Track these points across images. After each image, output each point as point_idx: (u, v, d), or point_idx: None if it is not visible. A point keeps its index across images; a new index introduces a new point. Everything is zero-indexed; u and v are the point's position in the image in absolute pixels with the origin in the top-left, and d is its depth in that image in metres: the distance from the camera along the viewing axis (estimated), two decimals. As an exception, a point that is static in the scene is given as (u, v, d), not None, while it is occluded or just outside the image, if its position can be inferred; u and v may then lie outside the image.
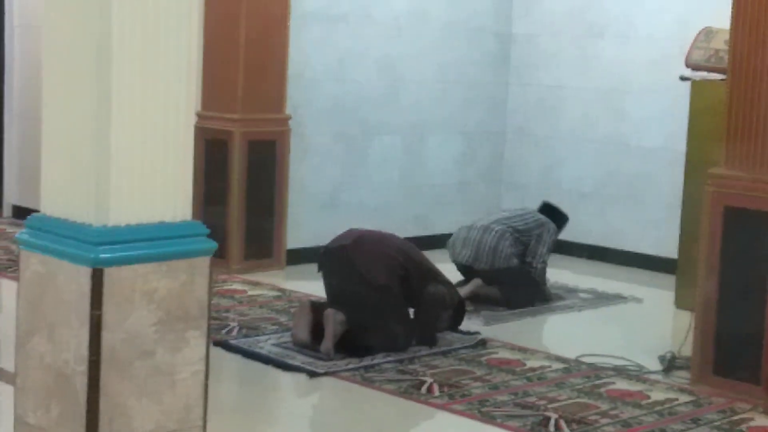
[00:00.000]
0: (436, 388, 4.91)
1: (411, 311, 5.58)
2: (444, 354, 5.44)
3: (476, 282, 6.47)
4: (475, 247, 6.54)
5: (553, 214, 6.94)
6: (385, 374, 5.08)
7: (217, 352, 5.12)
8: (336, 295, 5.42)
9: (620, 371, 5.29)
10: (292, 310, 6.06)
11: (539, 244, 6.65)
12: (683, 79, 6.67)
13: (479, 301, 6.45)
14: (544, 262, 6.68)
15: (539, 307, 6.55)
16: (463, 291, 6.34)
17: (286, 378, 5.06)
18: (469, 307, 6.27)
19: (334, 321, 5.25)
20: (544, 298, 6.66)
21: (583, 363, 5.41)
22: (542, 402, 4.78)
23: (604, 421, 4.58)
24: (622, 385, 5.09)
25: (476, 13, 8.45)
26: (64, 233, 2.98)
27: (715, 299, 4.98)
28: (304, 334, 5.34)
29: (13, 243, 7.33)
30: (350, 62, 7.75)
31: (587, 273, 7.60)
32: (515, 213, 6.80)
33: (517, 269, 6.51)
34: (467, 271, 6.62)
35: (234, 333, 5.65)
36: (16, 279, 3.23)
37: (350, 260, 5.35)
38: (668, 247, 7.35)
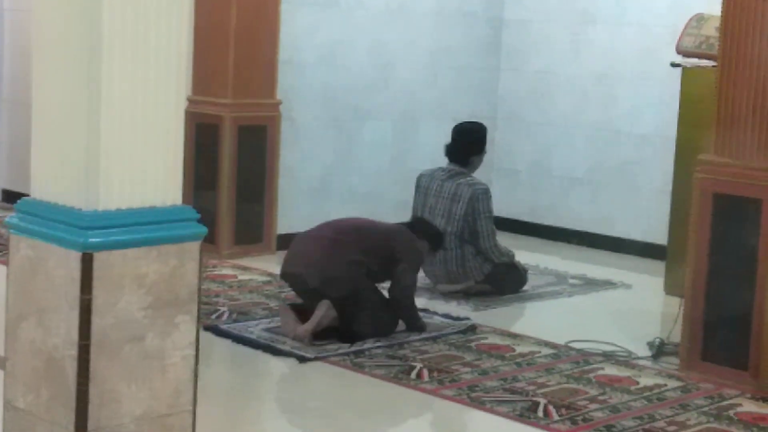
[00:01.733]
0: (425, 373, 4.92)
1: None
2: (434, 339, 5.45)
3: (467, 283, 6.43)
4: (445, 277, 6.41)
5: (467, 137, 6.52)
6: (375, 359, 5.09)
7: (207, 337, 5.13)
8: (311, 301, 5.39)
9: (609, 357, 5.31)
10: (282, 295, 6.07)
11: (477, 221, 6.32)
12: (674, 65, 6.67)
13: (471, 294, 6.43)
14: (493, 232, 6.38)
15: (529, 293, 6.56)
16: (454, 287, 6.35)
17: (276, 363, 5.06)
18: (459, 295, 6.31)
19: (325, 313, 5.23)
20: (522, 277, 6.57)
21: (573, 349, 5.43)
22: (531, 387, 4.79)
23: (593, 406, 4.59)
24: (611, 370, 5.11)
25: (468, -2, 8.44)
26: (54, 217, 2.97)
27: (703, 285, 4.99)
28: (297, 331, 5.30)
29: (2, 227, 7.32)
30: (341, 48, 7.74)
31: (577, 259, 7.62)
32: (444, 206, 6.37)
33: (496, 269, 6.44)
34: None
35: (224, 318, 5.66)
36: (6, 263, 3.23)
37: (307, 284, 5.33)
38: (658, 234, 7.37)
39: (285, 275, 5.52)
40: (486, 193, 6.39)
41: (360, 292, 5.34)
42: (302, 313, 5.34)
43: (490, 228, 6.38)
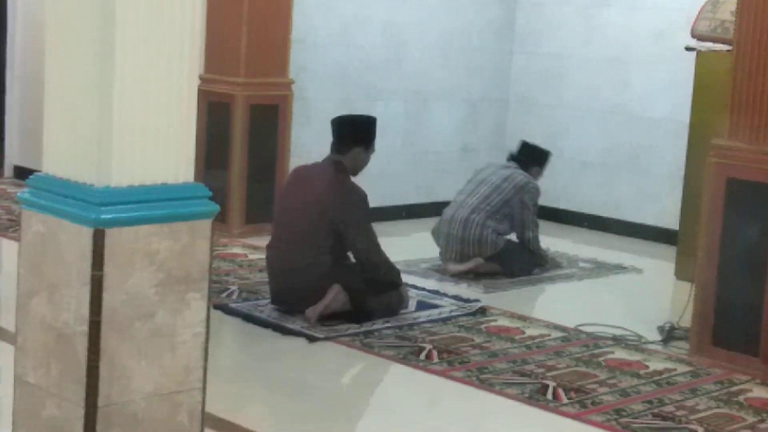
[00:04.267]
0: (435, 354, 4.92)
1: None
2: (443, 321, 5.45)
3: (477, 260, 6.43)
4: (458, 244, 6.42)
5: (533, 154, 6.76)
6: (385, 340, 5.09)
7: (217, 316, 5.14)
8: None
9: (619, 341, 5.30)
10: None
11: (524, 211, 6.49)
12: (689, 49, 6.64)
13: (480, 275, 6.42)
14: (536, 226, 6.58)
15: (539, 276, 6.56)
16: (464, 266, 6.35)
17: (285, 342, 5.07)
18: (469, 276, 6.31)
19: (335, 297, 5.23)
20: (541, 264, 6.62)
21: (583, 332, 5.42)
22: (541, 370, 4.79)
23: (602, 390, 4.59)
24: (620, 354, 5.11)
25: (481, -21, 8.41)
26: (66, 193, 2.97)
27: (715, 271, 4.98)
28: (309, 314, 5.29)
29: (14, 203, 7.33)
30: (354, 27, 7.71)
31: (588, 242, 7.60)
32: (492, 185, 6.51)
33: (508, 247, 6.46)
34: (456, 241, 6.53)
35: (234, 296, 5.66)
36: (17, 239, 3.22)
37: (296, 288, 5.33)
38: (669, 218, 7.35)
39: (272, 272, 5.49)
40: (537, 190, 6.60)
41: (341, 275, 5.27)
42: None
43: (530, 219, 6.53)
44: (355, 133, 5.54)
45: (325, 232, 5.26)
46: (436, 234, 6.61)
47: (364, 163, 5.52)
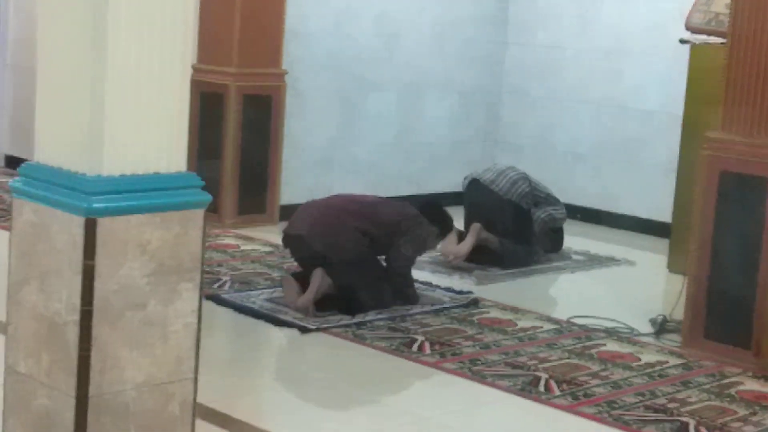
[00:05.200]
0: (427, 346, 4.91)
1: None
2: (436, 313, 5.45)
3: (475, 228, 6.41)
4: (496, 172, 6.58)
5: (437, 217, 6.26)
6: (377, 331, 5.08)
7: (208, 306, 5.12)
8: (311, 268, 5.37)
9: (611, 333, 5.30)
10: (285, 267, 6.06)
11: (547, 206, 6.68)
12: (683, 42, 6.63)
13: (477, 254, 6.40)
14: (553, 219, 6.66)
15: (532, 268, 6.55)
16: (465, 245, 6.33)
17: (277, 333, 5.06)
18: (463, 266, 6.30)
19: (321, 281, 5.23)
20: (535, 260, 6.62)
21: (575, 324, 5.42)
22: (533, 362, 4.79)
23: (594, 382, 4.59)
24: (613, 346, 5.11)
25: (475, -30, 8.39)
26: (57, 182, 2.95)
27: (707, 264, 4.98)
28: (300, 301, 5.29)
29: (5, 192, 7.30)
30: (347, 18, 7.69)
31: (581, 235, 7.60)
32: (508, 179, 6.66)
33: (522, 216, 6.48)
34: (478, 197, 6.56)
35: (226, 287, 5.65)
36: (9, 228, 3.21)
37: (310, 247, 5.31)
38: (662, 211, 7.35)
39: (287, 238, 5.48)
40: (554, 218, 6.75)
41: (363, 261, 5.32)
42: (304, 284, 5.33)
43: (549, 211, 6.70)
44: (441, 219, 5.83)
45: (388, 229, 5.42)
46: (469, 175, 6.70)
47: (432, 240, 5.71)
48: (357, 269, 5.31)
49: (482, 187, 6.54)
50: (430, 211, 5.74)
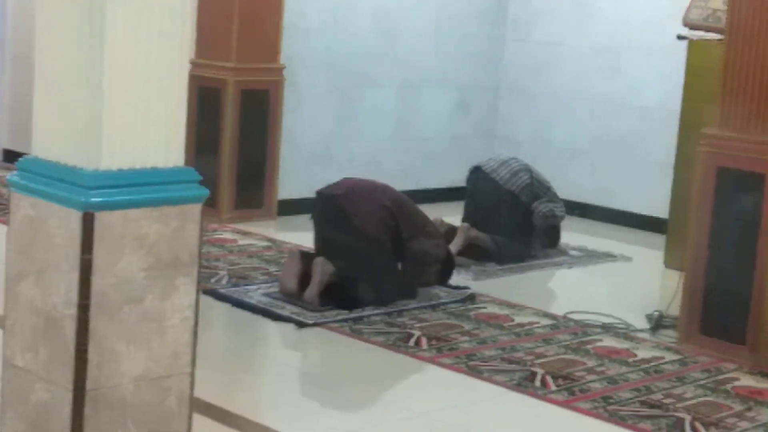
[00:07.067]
0: (424, 341, 4.92)
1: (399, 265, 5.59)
2: (433, 308, 5.46)
3: (463, 228, 6.43)
4: (499, 162, 6.62)
5: None
6: (374, 326, 5.09)
7: (206, 301, 5.13)
8: (325, 244, 5.41)
9: (608, 329, 5.31)
10: (282, 260, 6.06)
11: (548, 201, 6.68)
12: (680, 38, 6.64)
13: (470, 252, 6.41)
14: (554, 216, 6.66)
15: (529, 264, 6.56)
16: (454, 245, 6.34)
17: (274, 328, 5.07)
18: (459, 262, 6.29)
19: (322, 270, 5.25)
20: (532, 255, 6.62)
21: (571, 320, 5.43)
22: (529, 357, 4.80)
23: (591, 377, 4.60)
24: (609, 342, 5.12)
25: (474, -34, 8.39)
26: (55, 176, 2.96)
27: (704, 260, 4.99)
28: (291, 283, 5.35)
29: (3, 186, 7.30)
30: (345, 13, 7.69)
31: (578, 230, 7.60)
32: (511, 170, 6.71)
33: (519, 209, 6.48)
34: (478, 185, 6.57)
35: (223, 282, 5.66)
36: (6, 222, 3.21)
37: (342, 210, 5.35)
38: (659, 207, 7.35)
39: (319, 198, 5.54)
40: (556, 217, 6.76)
41: (373, 246, 5.34)
42: (306, 268, 5.33)
43: (551, 207, 6.70)
44: (446, 272, 5.84)
45: (413, 225, 5.54)
46: (474, 165, 6.73)
47: (429, 279, 5.73)
48: (362, 258, 5.31)
49: (484, 174, 6.57)
50: (447, 259, 5.79)
